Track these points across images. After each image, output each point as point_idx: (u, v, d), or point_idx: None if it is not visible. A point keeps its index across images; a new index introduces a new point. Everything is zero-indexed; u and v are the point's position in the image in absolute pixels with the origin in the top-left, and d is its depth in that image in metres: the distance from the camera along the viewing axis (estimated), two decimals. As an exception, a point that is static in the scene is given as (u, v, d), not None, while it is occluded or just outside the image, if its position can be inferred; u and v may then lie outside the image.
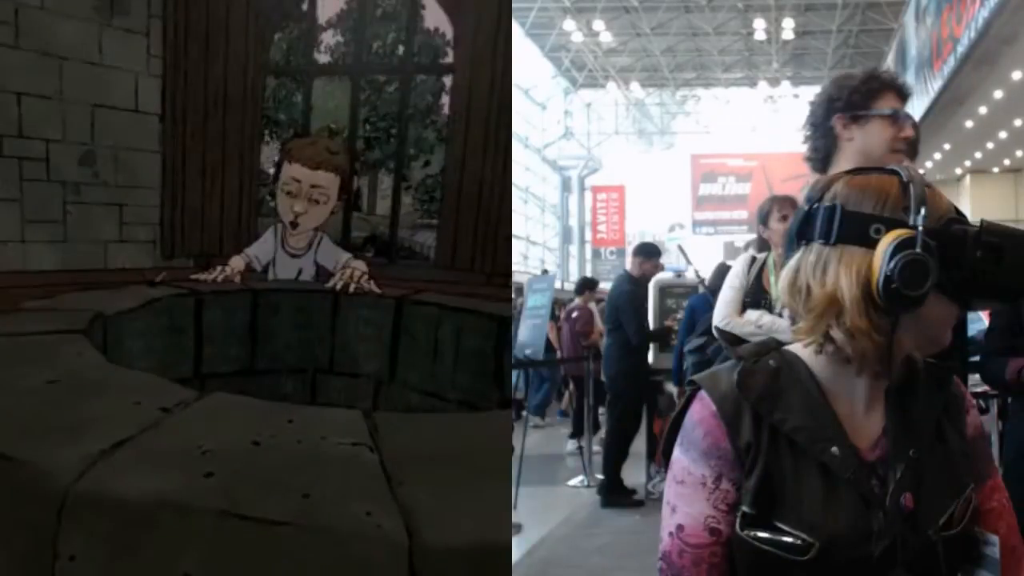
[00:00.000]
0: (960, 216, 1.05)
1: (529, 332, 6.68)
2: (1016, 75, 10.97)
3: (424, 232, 10.83)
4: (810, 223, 1.05)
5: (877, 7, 18.48)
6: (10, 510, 1.05)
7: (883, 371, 1.04)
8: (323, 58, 13.67)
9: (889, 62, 17.48)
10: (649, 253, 5.99)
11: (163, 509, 0.94)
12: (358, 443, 1.14)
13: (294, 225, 3.15)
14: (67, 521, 0.98)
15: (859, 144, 1.93)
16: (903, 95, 1.96)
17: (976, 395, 3.61)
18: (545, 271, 16.20)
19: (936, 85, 11.92)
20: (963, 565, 1.06)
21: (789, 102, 23.21)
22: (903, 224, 1.00)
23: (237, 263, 3.15)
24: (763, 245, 3.40)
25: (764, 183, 22.00)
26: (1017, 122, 13.46)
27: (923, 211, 1.00)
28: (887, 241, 0.99)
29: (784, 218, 3.02)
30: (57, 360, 1.56)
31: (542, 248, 23.57)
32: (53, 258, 4.48)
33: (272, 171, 3.36)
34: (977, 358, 2.61)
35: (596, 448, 6.61)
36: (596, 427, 7.52)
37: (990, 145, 15.14)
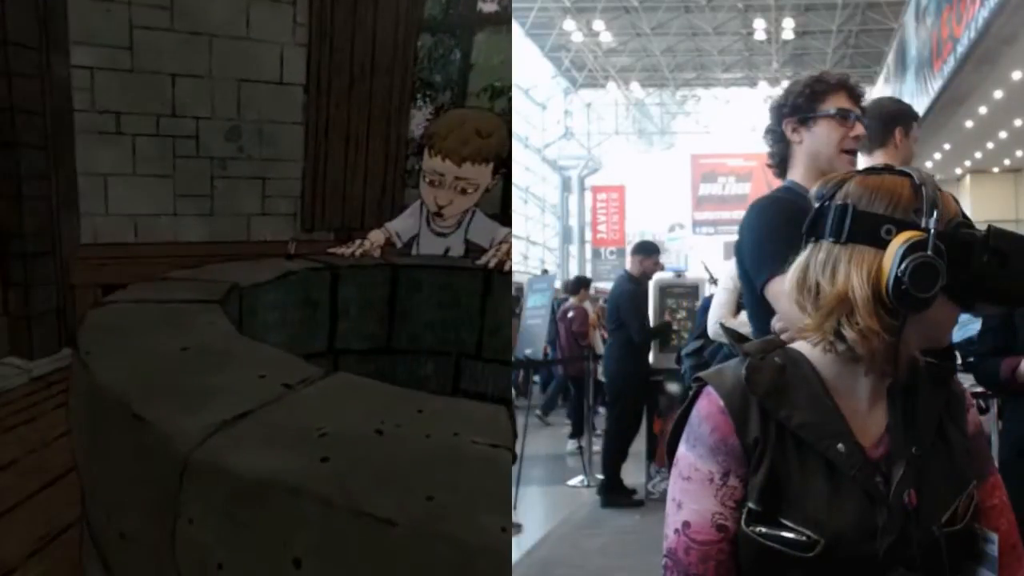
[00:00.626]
0: (966, 220, 1.05)
1: (529, 332, 6.68)
2: (1016, 75, 10.97)
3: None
4: (820, 221, 1.06)
5: (877, 7, 18.46)
6: (141, 467, 1.07)
7: (890, 371, 1.05)
8: (489, 7, 12.37)
9: (889, 62, 17.50)
10: (648, 251, 5.99)
11: (274, 489, 0.91)
12: (498, 445, 1.03)
13: (439, 216, 2.94)
14: (188, 485, 0.98)
15: (808, 146, 1.96)
16: (854, 95, 1.97)
17: (976, 395, 3.63)
18: (545, 271, 16.20)
19: (936, 85, 11.93)
20: (964, 562, 1.06)
21: (789, 102, 23.19)
22: (914, 226, 1.01)
23: (376, 237, 2.97)
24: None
25: (764, 183, 21.98)
26: (1017, 122, 13.46)
27: (935, 214, 1.01)
28: (898, 242, 1.00)
29: None
30: (192, 329, 1.58)
31: (542, 248, 23.56)
32: (201, 230, 4.79)
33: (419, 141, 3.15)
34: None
35: (596, 448, 6.61)
36: (593, 427, 7.53)
37: (990, 145, 15.14)
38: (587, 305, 8.30)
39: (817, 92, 1.96)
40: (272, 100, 4.61)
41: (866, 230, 1.03)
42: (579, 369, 7.31)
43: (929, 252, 0.98)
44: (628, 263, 6.19)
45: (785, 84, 2.15)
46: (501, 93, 10.78)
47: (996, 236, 1.02)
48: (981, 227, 1.05)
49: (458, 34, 6.61)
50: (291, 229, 4.65)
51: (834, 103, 1.94)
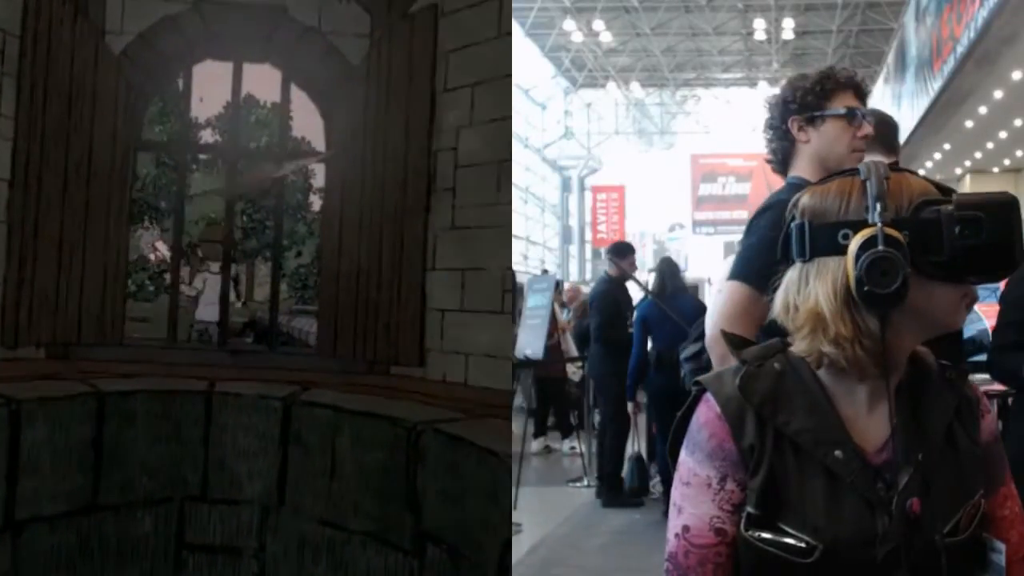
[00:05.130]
0: (945, 193, 1.02)
1: (529, 332, 6.66)
2: (1016, 75, 10.95)
3: (301, 318, 10.77)
4: (787, 244, 1.06)
5: (877, 7, 18.47)
6: None
7: (882, 373, 1.03)
8: (201, 155, 14.85)
9: (889, 62, 17.49)
10: (620, 252, 6.03)
11: None
12: None
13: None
14: None
15: (815, 146, 1.92)
16: (861, 93, 1.94)
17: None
18: (545, 271, 16.18)
19: (936, 85, 11.92)
20: (968, 570, 1.05)
21: (789, 102, 23.23)
22: (868, 223, 1.00)
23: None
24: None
25: (764, 183, 21.96)
26: (1017, 122, 13.43)
27: (879, 206, 0.99)
28: (854, 244, 0.99)
29: None
30: None
31: (542, 248, 23.56)
32: None
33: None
34: (981, 357, 2.56)
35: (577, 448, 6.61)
36: (570, 428, 7.51)
37: (990, 145, 15.11)
38: (556, 307, 8.13)
39: (827, 90, 1.90)
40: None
41: (824, 241, 1.02)
42: (554, 370, 7.27)
43: (880, 247, 0.97)
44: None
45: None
46: (216, 223, 12.79)
47: (963, 206, 0.99)
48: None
49: (177, 168, 7.45)
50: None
51: (843, 101, 1.90)
